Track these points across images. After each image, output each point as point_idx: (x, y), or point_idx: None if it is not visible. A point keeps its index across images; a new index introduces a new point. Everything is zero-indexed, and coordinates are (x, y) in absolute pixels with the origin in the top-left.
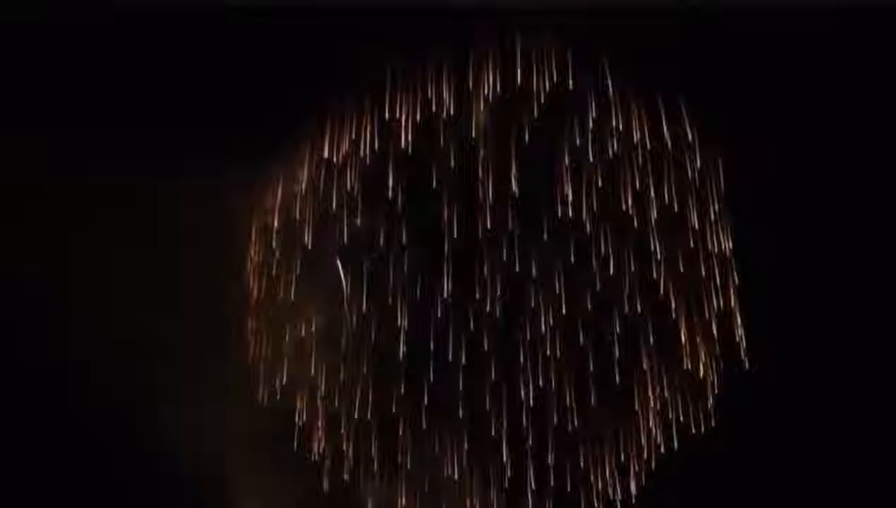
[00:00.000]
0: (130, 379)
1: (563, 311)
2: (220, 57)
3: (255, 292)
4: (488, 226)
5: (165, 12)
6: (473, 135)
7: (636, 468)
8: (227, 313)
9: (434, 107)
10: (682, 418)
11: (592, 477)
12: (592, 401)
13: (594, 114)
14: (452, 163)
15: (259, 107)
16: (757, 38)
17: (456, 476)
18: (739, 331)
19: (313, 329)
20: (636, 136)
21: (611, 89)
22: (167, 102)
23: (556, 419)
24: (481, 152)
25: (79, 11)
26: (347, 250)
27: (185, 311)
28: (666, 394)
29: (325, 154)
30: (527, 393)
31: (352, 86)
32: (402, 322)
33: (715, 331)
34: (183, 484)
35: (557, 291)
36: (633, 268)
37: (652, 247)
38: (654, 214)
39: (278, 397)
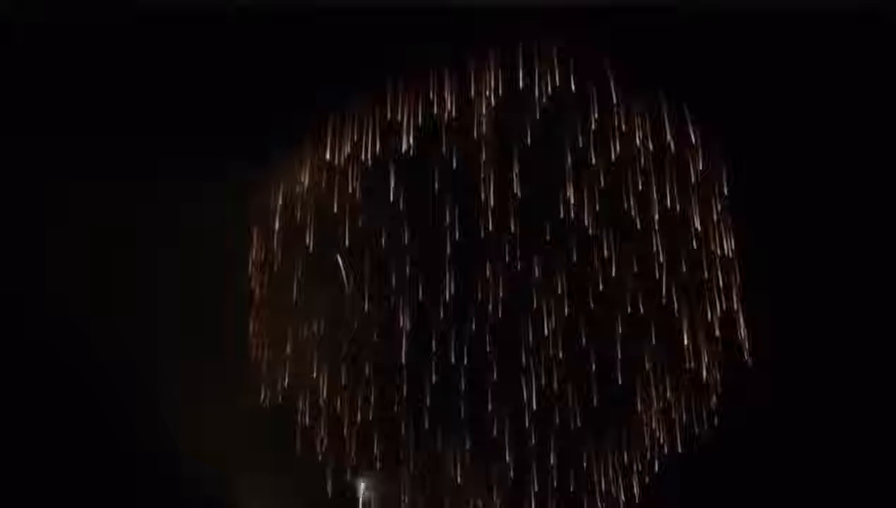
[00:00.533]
0: (133, 378)
1: (566, 312)
2: (225, 58)
3: (258, 293)
4: (490, 227)
5: (166, 13)
6: (475, 135)
7: (639, 468)
8: (230, 312)
9: (436, 108)
10: (685, 418)
11: (596, 477)
12: (595, 402)
13: (596, 115)
14: (455, 163)
15: (262, 108)
16: (758, 39)
17: (458, 477)
18: (742, 331)
19: (315, 329)
20: (638, 137)
21: (612, 89)
22: (170, 102)
23: (558, 420)
24: (483, 153)
25: (91, 12)
26: (349, 251)
27: (189, 310)
28: (669, 395)
29: (328, 155)
30: (529, 394)
31: (354, 87)
32: (404, 323)
33: (717, 332)
34: (186, 483)
35: (560, 292)
36: (635, 269)
37: (655, 248)
38: (657, 215)
39: (279, 399)
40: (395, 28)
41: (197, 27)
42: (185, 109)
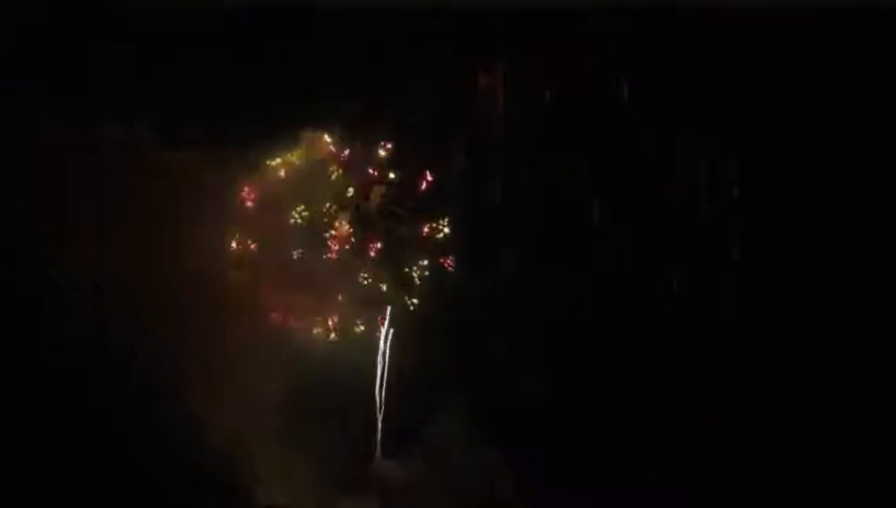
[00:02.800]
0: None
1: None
2: (221, 55)
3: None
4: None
5: (165, 10)
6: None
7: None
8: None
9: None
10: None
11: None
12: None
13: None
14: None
15: (261, 105)
16: (759, 38)
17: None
18: (744, 329)
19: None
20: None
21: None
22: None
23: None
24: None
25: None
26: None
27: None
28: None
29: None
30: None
31: (354, 86)
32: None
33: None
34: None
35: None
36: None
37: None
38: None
39: None
40: (397, 28)
41: (195, 25)
42: (186, 105)
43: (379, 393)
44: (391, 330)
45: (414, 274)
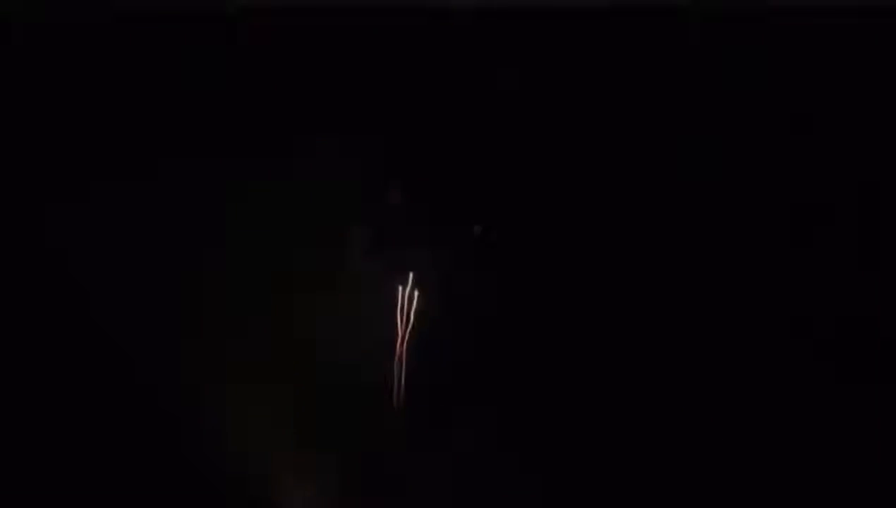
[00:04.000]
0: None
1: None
2: (222, 57)
3: None
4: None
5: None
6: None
7: None
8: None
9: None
10: None
11: None
12: None
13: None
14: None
15: (261, 108)
16: (766, 39)
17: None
18: None
19: None
20: None
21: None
22: (168, 102)
23: None
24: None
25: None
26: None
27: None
28: None
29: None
30: None
31: (353, 88)
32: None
33: None
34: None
35: None
36: None
37: None
38: None
39: None
40: (396, 29)
41: (196, 27)
42: (187, 110)
43: (397, 397)
44: (408, 333)
45: (432, 277)
